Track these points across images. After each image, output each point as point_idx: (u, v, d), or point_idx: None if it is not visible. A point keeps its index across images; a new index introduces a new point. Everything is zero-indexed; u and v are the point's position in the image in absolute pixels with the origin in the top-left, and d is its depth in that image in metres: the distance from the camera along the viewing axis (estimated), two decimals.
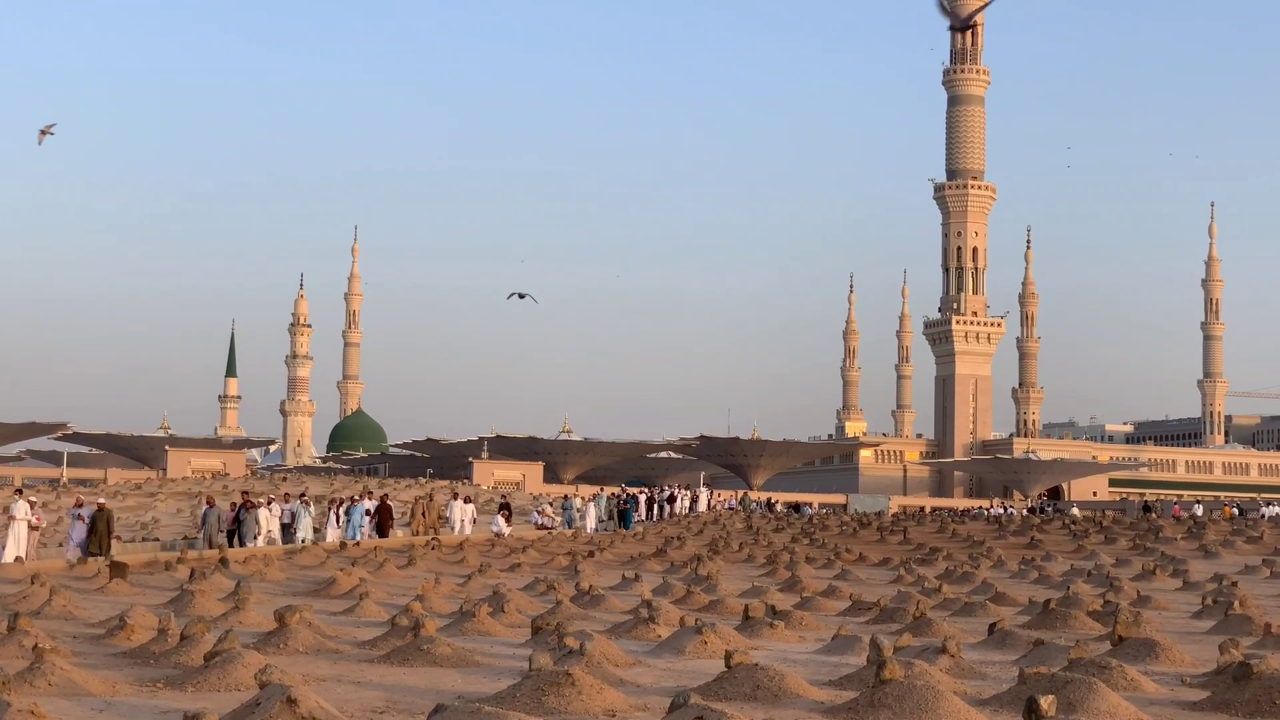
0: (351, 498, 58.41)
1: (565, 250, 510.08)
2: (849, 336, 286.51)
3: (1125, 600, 31.21)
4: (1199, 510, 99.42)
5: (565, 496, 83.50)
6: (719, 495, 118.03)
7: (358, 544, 47.21)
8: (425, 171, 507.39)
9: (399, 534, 54.14)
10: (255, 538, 46.37)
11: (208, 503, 49.73)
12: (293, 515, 50.86)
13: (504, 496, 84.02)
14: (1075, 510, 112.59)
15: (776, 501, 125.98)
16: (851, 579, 39.66)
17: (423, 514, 57.57)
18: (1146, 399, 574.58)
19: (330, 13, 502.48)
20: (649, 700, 15.58)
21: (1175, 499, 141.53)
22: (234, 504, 50.33)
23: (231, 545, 44.60)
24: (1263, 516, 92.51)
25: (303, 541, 48.25)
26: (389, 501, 56.57)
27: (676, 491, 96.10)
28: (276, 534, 48.98)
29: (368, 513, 53.49)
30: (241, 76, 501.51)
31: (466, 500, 64.06)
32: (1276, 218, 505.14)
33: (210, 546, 43.13)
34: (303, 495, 57.51)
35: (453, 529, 58.30)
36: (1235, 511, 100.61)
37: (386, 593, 30.74)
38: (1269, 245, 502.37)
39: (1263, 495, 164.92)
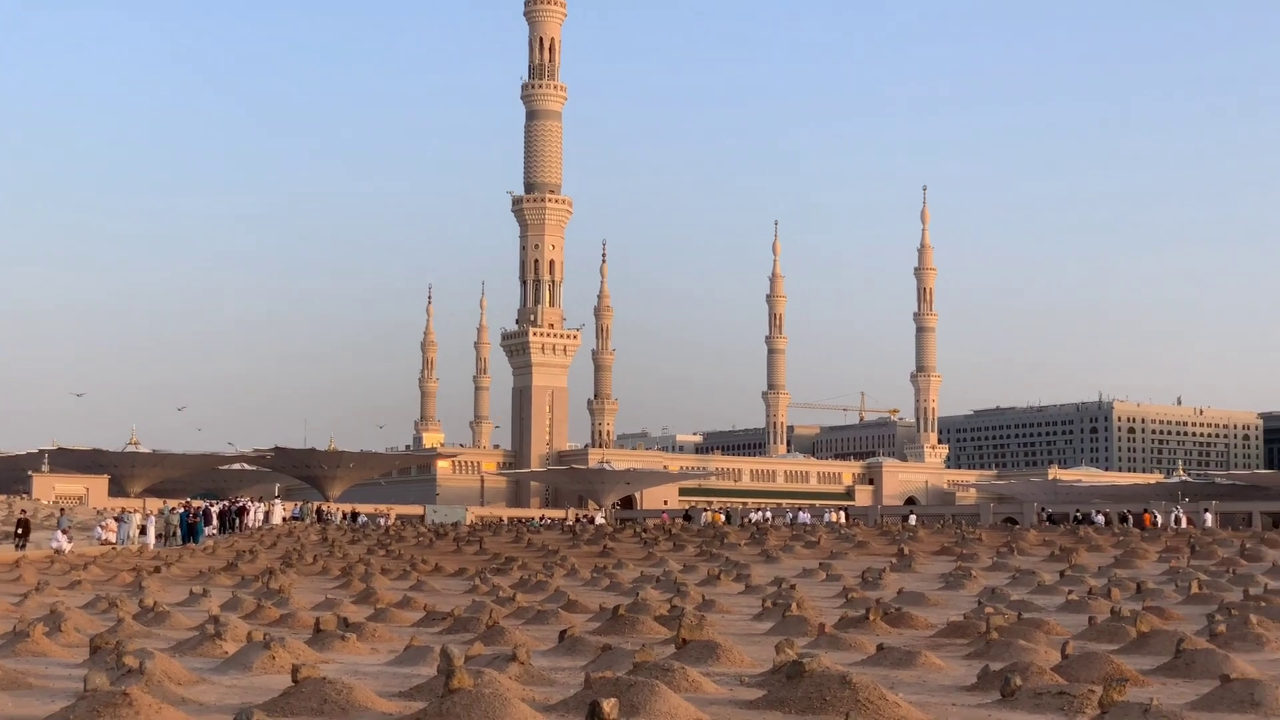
0: None
1: (128, 255, 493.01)
2: (427, 348, 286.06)
3: (691, 605, 32.18)
4: (706, 517, 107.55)
5: (122, 510, 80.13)
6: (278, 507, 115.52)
7: None
8: None
9: None
10: None
11: None
12: None
13: (23, 513, 77.14)
14: (600, 518, 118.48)
15: (332, 510, 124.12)
16: (427, 590, 39.60)
17: None
18: (715, 410, 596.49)
19: None
20: (211, 718, 15.15)
21: (741, 505, 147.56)
22: None
23: None
24: (791, 521, 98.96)
25: None
26: None
27: (248, 504, 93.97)
28: None
29: None
30: None
31: None
32: (839, 236, 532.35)
33: None
34: None
35: None
36: (723, 517, 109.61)
37: None
38: (830, 263, 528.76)
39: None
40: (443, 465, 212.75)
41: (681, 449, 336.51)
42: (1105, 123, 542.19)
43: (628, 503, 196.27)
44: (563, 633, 23.42)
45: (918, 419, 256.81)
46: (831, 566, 48.52)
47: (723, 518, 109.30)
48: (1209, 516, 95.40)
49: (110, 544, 62.77)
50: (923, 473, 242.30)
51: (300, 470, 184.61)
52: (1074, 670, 18.70)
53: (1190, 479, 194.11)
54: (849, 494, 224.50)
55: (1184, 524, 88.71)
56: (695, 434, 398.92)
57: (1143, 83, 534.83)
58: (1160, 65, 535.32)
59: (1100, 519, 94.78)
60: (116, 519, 70.24)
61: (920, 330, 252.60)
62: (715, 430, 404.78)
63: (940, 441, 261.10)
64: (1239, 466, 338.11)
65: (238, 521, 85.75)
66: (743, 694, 17.32)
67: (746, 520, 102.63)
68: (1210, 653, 20.09)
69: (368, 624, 25.95)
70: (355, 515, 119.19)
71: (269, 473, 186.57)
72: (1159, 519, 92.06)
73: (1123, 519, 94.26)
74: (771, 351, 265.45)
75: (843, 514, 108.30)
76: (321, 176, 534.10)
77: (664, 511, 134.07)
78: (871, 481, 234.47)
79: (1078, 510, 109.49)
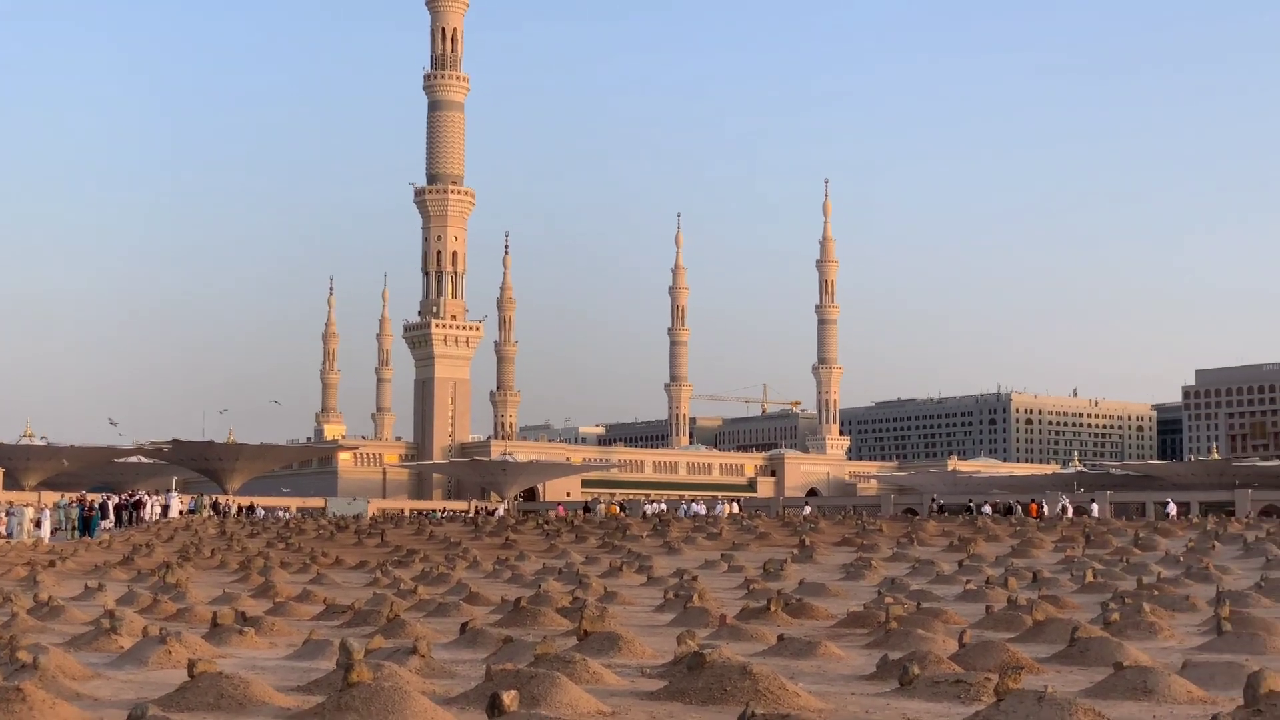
0: None
1: (27, 249, 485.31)
2: (328, 339, 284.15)
3: (593, 596, 32.21)
4: (601, 509, 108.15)
5: (10, 504, 78.93)
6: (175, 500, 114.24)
7: None
8: None
9: None
10: None
11: None
12: None
13: None
14: (503, 509, 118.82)
15: (229, 502, 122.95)
16: (327, 583, 39.32)
17: None
18: (618, 402, 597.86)
19: None
20: (106, 714, 14.95)
21: (644, 497, 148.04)
22: None
23: None
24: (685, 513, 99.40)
25: None
26: None
27: (145, 497, 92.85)
28: None
29: None
30: None
31: None
32: (742, 228, 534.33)
33: None
34: None
35: None
36: (619, 509, 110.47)
37: None
38: (733, 255, 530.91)
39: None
40: (344, 457, 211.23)
41: (584, 441, 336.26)
42: (1002, 120, 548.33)
43: (530, 494, 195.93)
44: (464, 625, 23.35)
45: (819, 411, 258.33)
46: (733, 558, 48.69)
47: (618, 509, 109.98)
48: (1096, 506, 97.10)
49: (3, 537, 61.76)
50: (824, 464, 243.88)
51: (198, 463, 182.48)
52: (971, 659, 18.90)
53: (1086, 469, 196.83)
54: (751, 485, 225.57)
55: (1070, 513, 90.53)
56: (598, 426, 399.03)
57: (1039, 80, 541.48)
58: (1058, 62, 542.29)
59: (988, 509, 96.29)
60: (7, 513, 69.16)
61: (822, 322, 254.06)
62: (618, 422, 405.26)
63: (842, 433, 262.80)
64: (1133, 457, 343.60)
65: (134, 515, 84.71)
66: (644, 685, 17.34)
67: (642, 513, 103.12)
68: (1104, 641, 20.39)
69: (266, 618, 25.72)
70: (252, 508, 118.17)
71: (166, 465, 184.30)
72: (1045, 508, 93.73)
73: (1009, 509, 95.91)
74: (674, 343, 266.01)
75: (735, 505, 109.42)
76: (222, 166, 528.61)
77: (559, 504, 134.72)
78: (773, 473, 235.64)
79: (970, 500, 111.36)
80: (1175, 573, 39.49)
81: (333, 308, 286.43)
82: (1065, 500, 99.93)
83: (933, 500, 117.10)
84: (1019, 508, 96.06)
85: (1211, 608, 27.25)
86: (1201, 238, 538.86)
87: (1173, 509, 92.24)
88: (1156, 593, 31.04)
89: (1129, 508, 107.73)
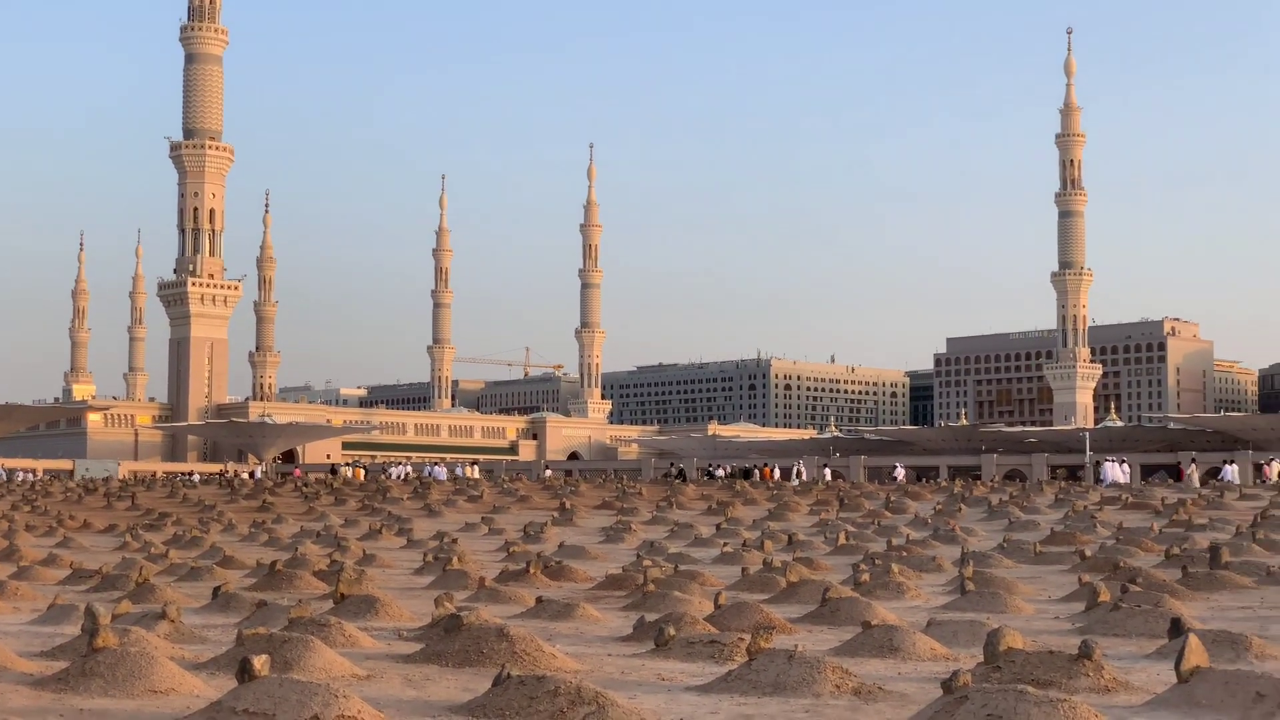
0: None
1: None
2: (78, 296, 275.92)
3: (351, 560, 31.94)
4: (345, 472, 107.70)
5: None
6: None
7: None
8: None
9: None
10: None
11: None
12: None
13: None
14: (259, 471, 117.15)
15: None
16: (74, 547, 38.29)
17: None
18: (380, 364, 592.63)
19: None
20: None
21: (404, 460, 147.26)
22: None
23: None
24: (430, 475, 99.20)
25: None
26: None
27: None
28: None
29: None
30: None
31: None
32: (506, 191, 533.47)
33: None
34: None
35: None
36: (363, 471, 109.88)
37: None
38: (497, 219, 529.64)
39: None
40: (94, 418, 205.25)
41: (345, 403, 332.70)
42: (759, 88, 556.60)
43: (290, 456, 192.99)
44: (217, 589, 22.92)
45: (581, 375, 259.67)
46: (494, 520, 48.72)
47: (362, 473, 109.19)
48: (829, 471, 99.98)
49: None
50: (586, 428, 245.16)
51: None
52: (726, 620, 19.20)
53: (841, 434, 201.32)
54: (513, 448, 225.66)
55: (804, 477, 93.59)
56: (360, 388, 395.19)
57: (807, 56, 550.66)
58: (834, 37, 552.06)
59: (721, 472, 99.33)
60: None
61: (585, 286, 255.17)
62: (380, 384, 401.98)
63: (604, 397, 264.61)
64: (887, 422, 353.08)
65: None
66: (400, 648, 17.24)
67: (385, 475, 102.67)
68: (854, 601, 20.90)
69: (9, 582, 24.92)
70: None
71: None
72: (777, 471, 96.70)
73: (746, 473, 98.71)
74: (437, 305, 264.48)
75: (474, 469, 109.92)
76: None
77: (296, 467, 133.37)
78: (535, 436, 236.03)
79: (709, 464, 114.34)
80: (923, 535, 40.68)
81: (83, 264, 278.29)
82: (799, 464, 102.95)
83: (671, 465, 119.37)
84: (756, 471, 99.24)
85: (956, 568, 28.14)
86: (956, 213, 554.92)
87: (900, 474, 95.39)
88: (905, 554, 31.92)
89: (881, 472, 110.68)
